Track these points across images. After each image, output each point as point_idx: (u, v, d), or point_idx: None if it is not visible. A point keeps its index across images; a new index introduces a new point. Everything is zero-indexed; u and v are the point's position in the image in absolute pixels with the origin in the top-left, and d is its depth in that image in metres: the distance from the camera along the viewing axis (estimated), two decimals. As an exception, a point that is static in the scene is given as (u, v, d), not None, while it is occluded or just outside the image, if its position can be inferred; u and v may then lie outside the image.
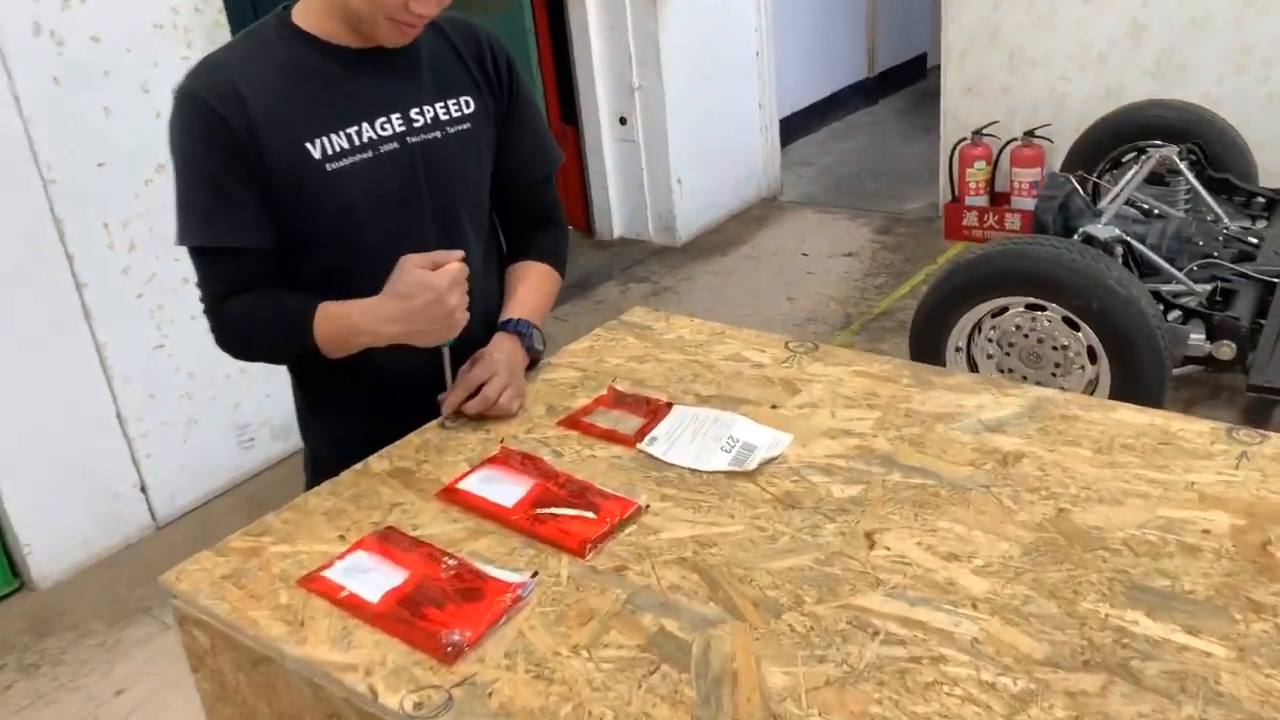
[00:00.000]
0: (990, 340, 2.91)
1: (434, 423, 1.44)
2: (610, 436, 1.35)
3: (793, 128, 5.63)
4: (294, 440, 3.40)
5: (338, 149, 1.37)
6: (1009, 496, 1.16)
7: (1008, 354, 2.88)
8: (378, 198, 1.41)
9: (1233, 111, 3.70)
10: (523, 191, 1.60)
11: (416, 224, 1.44)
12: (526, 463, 1.30)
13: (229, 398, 3.23)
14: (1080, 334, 2.75)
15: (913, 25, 6.96)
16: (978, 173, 4.40)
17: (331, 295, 1.38)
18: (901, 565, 1.07)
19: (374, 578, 1.12)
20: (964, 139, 4.43)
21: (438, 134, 1.44)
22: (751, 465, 1.26)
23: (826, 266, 4.38)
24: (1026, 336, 2.85)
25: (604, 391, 1.47)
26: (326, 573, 1.14)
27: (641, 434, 1.34)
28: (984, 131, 4.39)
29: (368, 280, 1.38)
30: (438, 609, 1.06)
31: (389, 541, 1.18)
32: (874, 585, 1.05)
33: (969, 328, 2.91)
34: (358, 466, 1.36)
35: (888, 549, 1.10)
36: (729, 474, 1.25)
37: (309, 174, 1.36)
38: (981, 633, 0.97)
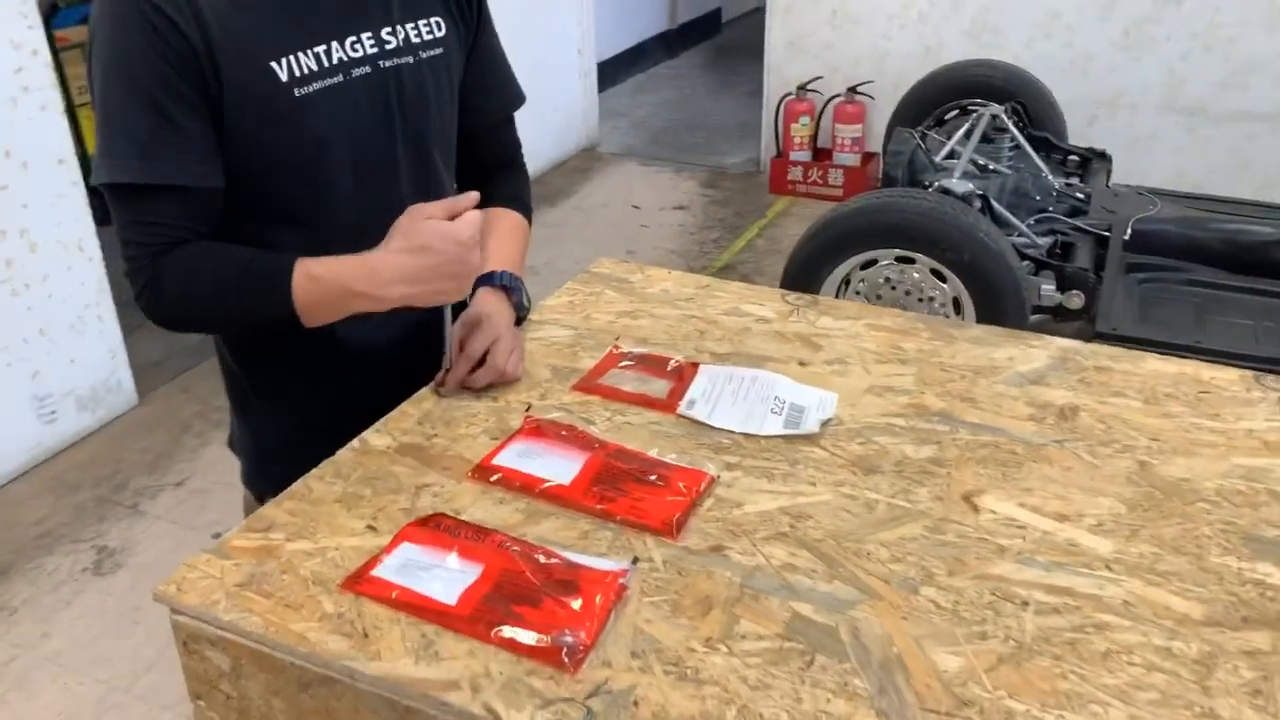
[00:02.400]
0: (858, 294, 2.95)
1: (425, 390, 1.26)
2: (642, 400, 1.23)
3: (602, 77, 5.52)
4: (103, 411, 3.02)
5: (306, 70, 1.15)
6: (1086, 451, 1.14)
7: (877, 305, 2.93)
8: (349, 129, 1.19)
9: (1041, 73, 3.92)
10: (487, 131, 1.42)
11: (389, 162, 1.24)
12: (565, 432, 1.15)
13: (26, 365, 2.80)
14: (946, 285, 2.84)
15: (708, -22, 7.00)
16: (802, 128, 4.47)
17: (291, 251, 1.16)
18: (1016, 529, 1.02)
19: (441, 575, 0.95)
20: (789, 94, 4.47)
21: (410, 59, 1.24)
22: (809, 428, 1.17)
23: (659, 220, 4.33)
24: (894, 289, 2.91)
25: (608, 351, 1.34)
26: (375, 572, 0.96)
27: (675, 396, 1.23)
28: (808, 87, 4.46)
29: (328, 232, 1.18)
30: (533, 607, 0.92)
31: (441, 529, 1.01)
32: (998, 552, 0.99)
33: (839, 280, 2.93)
34: (354, 444, 1.17)
35: (993, 512, 1.04)
36: (787, 438, 1.16)
37: (274, 100, 1.13)
38: (1130, 595, 0.94)
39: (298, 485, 1.10)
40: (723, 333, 1.39)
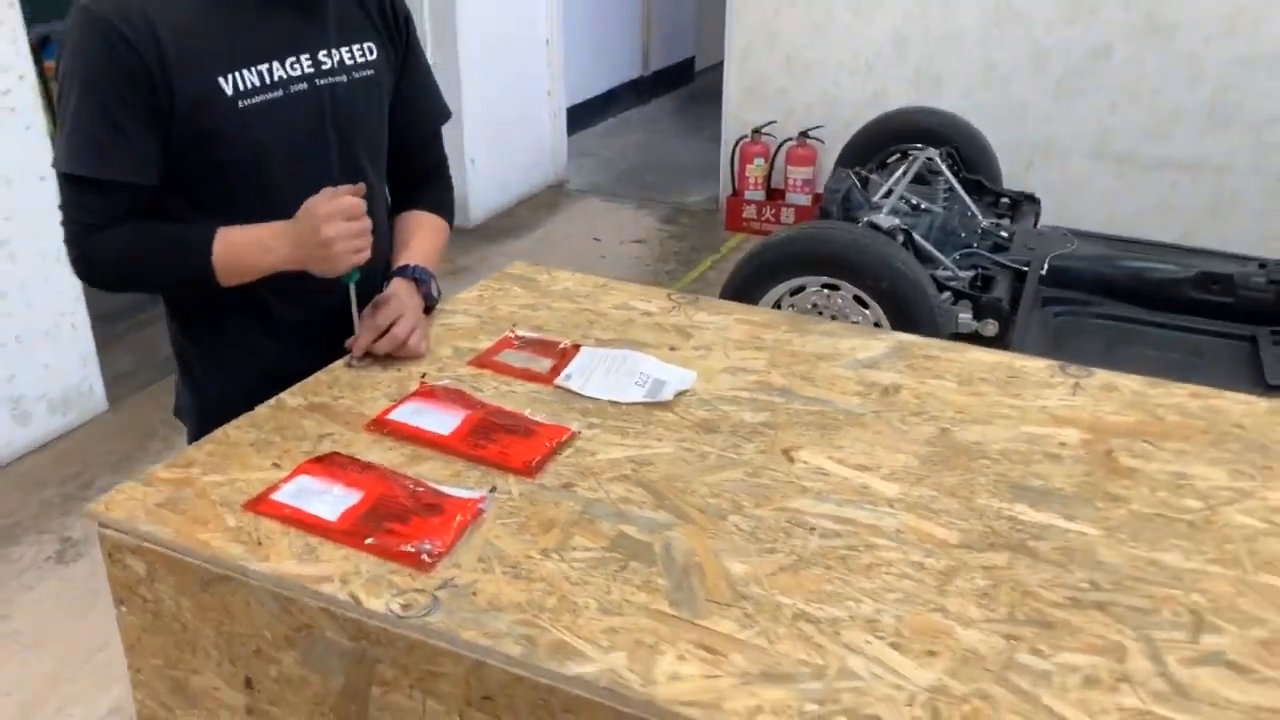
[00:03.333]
0: (789, 317, 3.15)
1: (339, 362, 1.45)
2: (526, 375, 1.42)
3: (574, 119, 5.76)
4: (74, 415, 3.19)
5: (250, 85, 1.36)
6: (897, 420, 1.33)
7: (804, 329, 3.13)
8: (287, 138, 1.40)
9: (978, 121, 4.16)
10: (415, 144, 1.62)
11: (323, 167, 1.44)
12: (453, 395, 1.34)
13: (2, 369, 2.97)
14: (869, 311, 3.04)
15: (682, 29, 7.28)
16: (756, 169, 4.70)
17: None
18: (821, 475, 1.21)
19: (328, 499, 1.13)
20: (744, 136, 4.71)
21: (344, 78, 1.45)
22: (665, 396, 1.36)
23: (619, 252, 4.54)
24: (821, 313, 3.10)
25: (506, 335, 1.53)
26: (274, 496, 1.14)
27: (555, 372, 1.42)
28: (763, 130, 4.69)
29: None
30: (402, 523, 1.10)
31: (334, 464, 1.19)
32: (801, 492, 1.18)
33: (771, 304, 3.13)
34: (271, 402, 1.35)
35: (805, 462, 1.23)
36: (646, 405, 1.35)
37: (220, 110, 1.34)
38: (902, 525, 1.12)
39: (217, 432, 1.29)
40: (609, 323, 1.58)
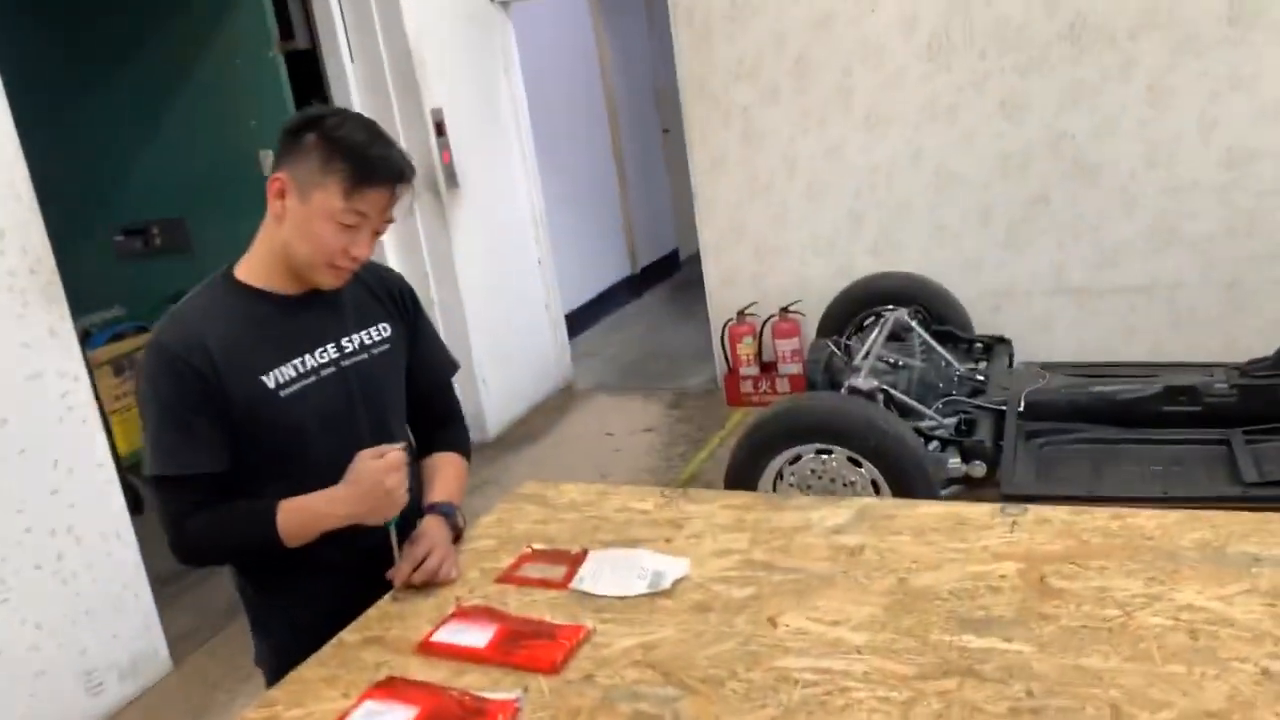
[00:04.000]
0: (790, 485, 3.38)
1: (384, 598, 1.69)
2: (544, 584, 1.66)
3: (574, 323, 6.14)
4: (142, 680, 3.40)
5: (288, 378, 1.66)
6: (862, 576, 1.55)
7: (808, 493, 3.35)
8: (322, 414, 1.69)
9: (939, 277, 4.49)
10: (429, 395, 1.92)
11: (355, 433, 1.72)
12: (484, 613, 1.58)
13: (75, 644, 3.21)
14: (863, 469, 3.27)
15: (662, 226, 7.80)
16: (746, 347, 5.02)
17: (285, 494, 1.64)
18: (800, 635, 1.43)
19: (390, 718, 1.36)
20: (730, 319, 5.05)
21: (365, 356, 1.76)
22: (665, 585, 1.59)
23: (630, 443, 4.81)
24: (820, 477, 3.34)
25: (524, 550, 1.77)
26: (346, 721, 1.37)
27: (569, 577, 1.66)
28: (746, 312, 5.04)
29: (315, 480, 1.65)
30: (454, 730, 1.32)
31: (392, 688, 1.42)
32: (785, 652, 1.40)
33: (773, 476, 3.37)
34: (333, 641, 1.59)
35: (787, 625, 1.45)
36: (649, 595, 1.58)
37: (266, 401, 1.64)
38: (869, 667, 1.33)
39: (292, 674, 1.52)
40: (611, 526, 1.83)
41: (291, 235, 1.65)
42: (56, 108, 5.02)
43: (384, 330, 1.80)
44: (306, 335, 1.71)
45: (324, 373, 1.70)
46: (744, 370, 5.06)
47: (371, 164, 1.61)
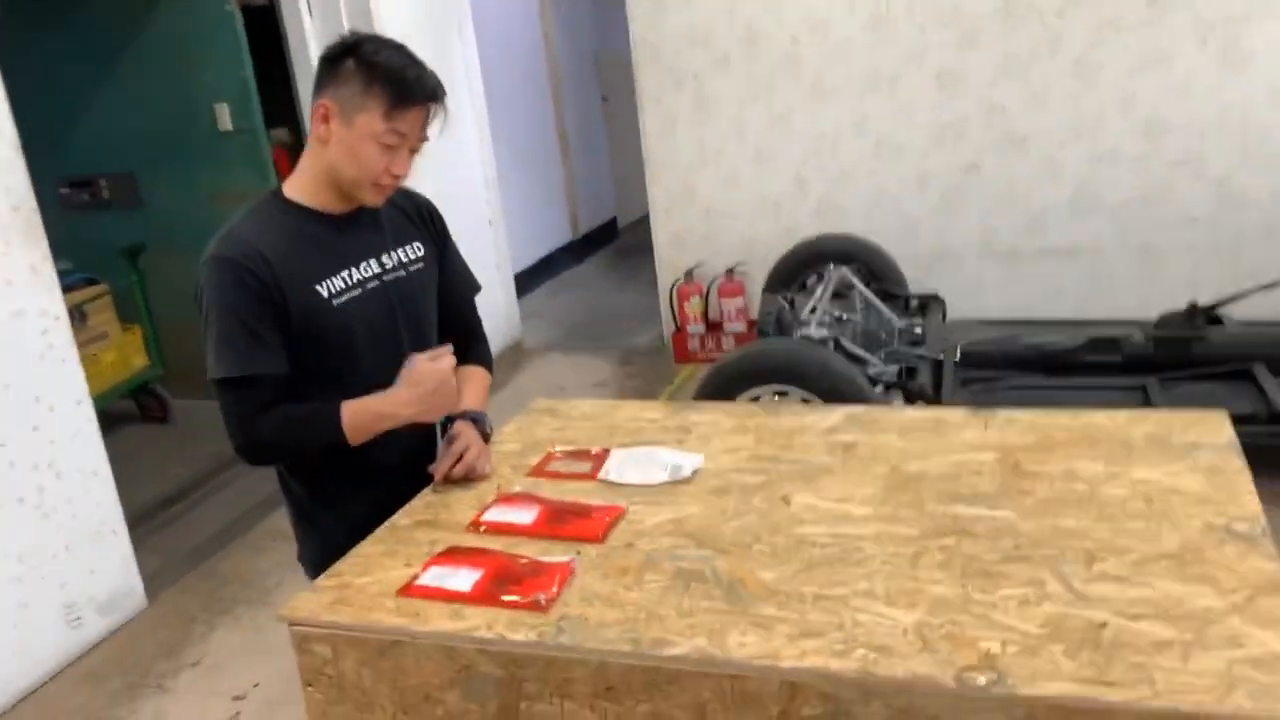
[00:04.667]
0: (749, 426, 3.60)
1: (426, 490, 1.85)
2: (573, 476, 1.83)
3: (519, 285, 6.28)
4: (119, 614, 3.48)
5: (339, 288, 1.81)
6: (858, 466, 1.77)
7: (764, 435, 3.58)
8: (369, 324, 1.84)
9: (879, 238, 4.75)
10: (456, 311, 2.06)
11: (397, 343, 1.87)
12: (526, 497, 1.75)
13: (55, 578, 3.27)
14: (817, 411, 3.50)
15: (603, 193, 7.96)
16: (694, 306, 5.23)
17: (335, 399, 1.78)
18: (812, 509, 1.64)
19: (459, 577, 1.52)
20: (678, 279, 5.26)
21: (403, 273, 1.90)
22: (685, 475, 1.79)
23: (583, 397, 4.98)
24: (777, 419, 3.56)
25: (549, 452, 1.95)
26: (418, 582, 1.53)
27: (595, 471, 1.84)
28: (693, 272, 5.25)
29: (364, 385, 1.80)
30: (518, 585, 1.49)
31: (455, 555, 1.59)
32: (800, 522, 1.60)
33: (732, 418, 3.58)
34: (385, 525, 1.74)
35: (799, 503, 1.66)
36: (672, 483, 1.77)
37: (320, 309, 1.78)
38: (877, 531, 1.55)
39: (352, 551, 1.67)
40: (626, 431, 2.02)
41: (337, 157, 1.78)
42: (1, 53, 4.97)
43: (418, 249, 1.95)
44: (353, 250, 1.85)
45: (369, 285, 1.85)
46: (691, 329, 5.28)
47: (409, 85, 1.74)
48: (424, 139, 1.82)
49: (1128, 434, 1.77)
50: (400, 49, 1.79)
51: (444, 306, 2.02)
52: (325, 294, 1.78)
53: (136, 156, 5.08)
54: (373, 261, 1.86)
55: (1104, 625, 1.27)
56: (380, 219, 1.91)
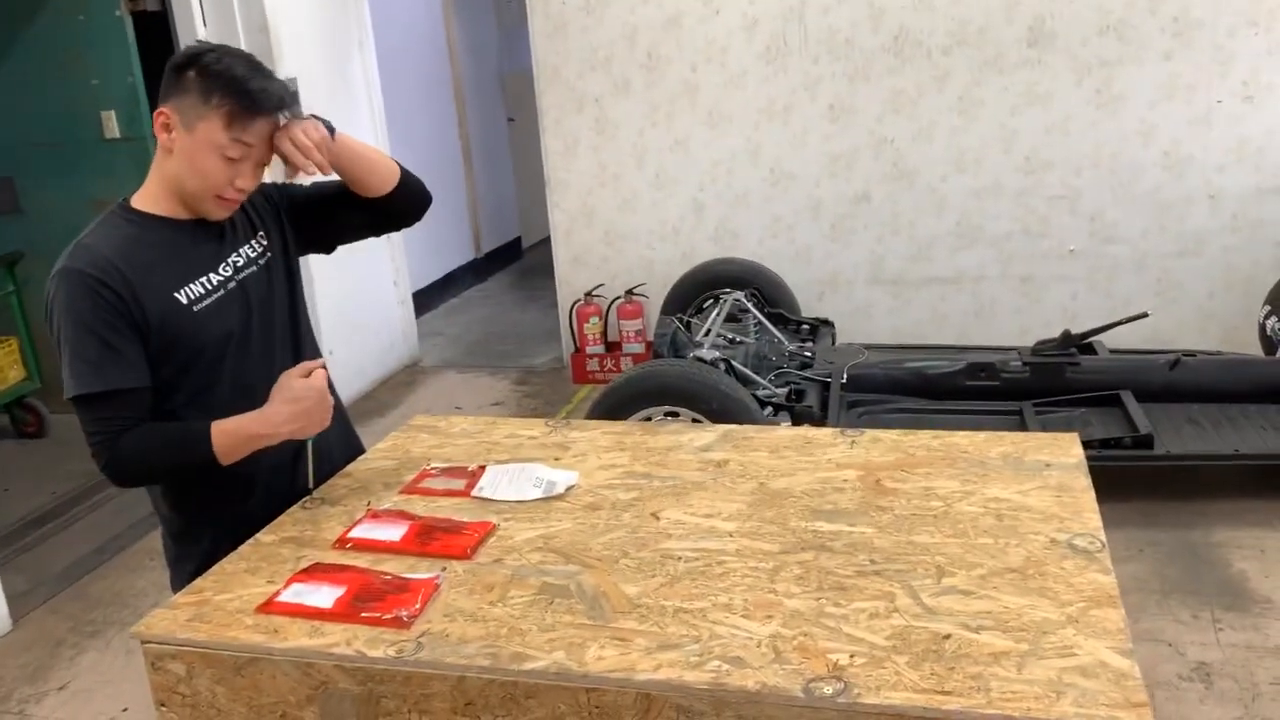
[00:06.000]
0: (640, 447, 3.62)
1: (294, 507, 1.83)
2: (447, 493, 1.83)
3: (418, 303, 6.22)
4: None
5: (198, 294, 1.77)
6: (728, 482, 1.80)
7: (655, 455, 3.61)
8: (230, 325, 1.80)
9: (772, 264, 4.85)
10: (331, 194, 1.98)
11: (258, 341, 1.84)
12: (396, 514, 1.74)
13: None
14: (706, 432, 3.55)
15: (506, 213, 7.95)
16: (593, 327, 5.26)
17: (201, 417, 1.74)
18: (679, 525, 1.66)
19: (321, 594, 1.51)
20: (578, 300, 5.28)
21: (254, 268, 1.87)
22: (558, 492, 1.80)
23: (480, 415, 4.95)
24: (667, 439, 3.60)
25: (423, 469, 1.94)
26: (278, 599, 1.51)
27: (470, 488, 1.84)
28: (593, 294, 5.28)
29: (229, 396, 1.76)
30: (380, 602, 1.48)
31: (318, 572, 1.57)
32: (667, 537, 1.63)
33: (623, 438, 3.61)
34: (250, 542, 1.72)
35: (668, 518, 1.69)
36: (545, 500, 1.78)
37: (182, 317, 1.74)
38: (740, 546, 1.58)
39: (214, 568, 1.64)
40: (504, 449, 2.02)
41: (180, 168, 1.75)
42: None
43: (262, 240, 1.90)
44: (206, 255, 1.81)
45: (229, 287, 1.81)
46: (590, 349, 5.30)
47: (251, 96, 1.71)
48: (267, 161, 1.80)
49: (985, 454, 1.84)
50: (247, 59, 1.76)
51: (337, 204, 1.96)
52: (185, 300, 1.75)
53: (17, 162, 4.92)
54: (226, 264, 1.83)
55: (948, 637, 1.32)
56: (229, 221, 1.87)
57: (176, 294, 1.75)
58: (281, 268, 1.93)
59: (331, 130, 1.87)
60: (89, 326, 1.68)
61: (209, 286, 1.79)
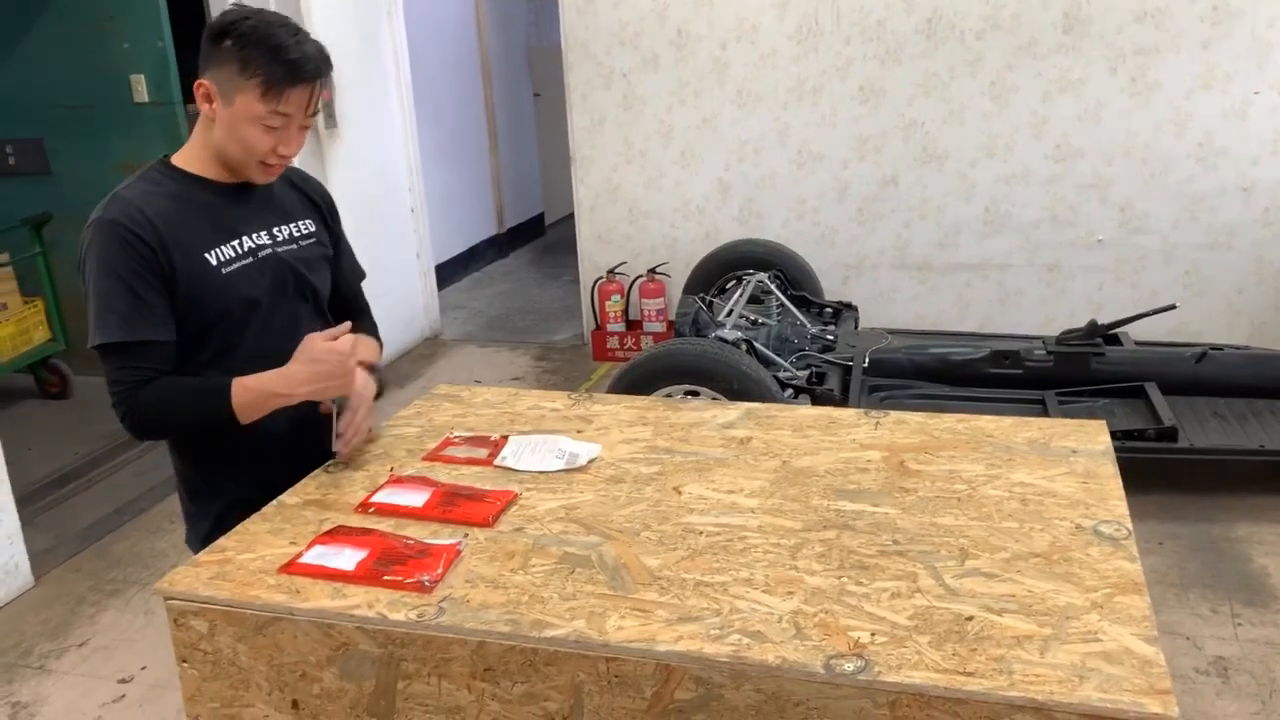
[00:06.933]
0: (659, 424, 3.62)
1: (318, 470, 1.83)
2: (470, 461, 1.83)
3: (440, 276, 6.23)
4: (2, 592, 3.36)
5: (228, 257, 1.78)
6: (750, 459, 1.80)
7: (674, 434, 3.61)
8: (259, 292, 1.81)
9: (798, 246, 4.83)
10: (345, 296, 2.05)
11: (285, 312, 1.85)
12: (418, 480, 1.74)
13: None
14: (726, 411, 3.54)
15: (530, 189, 7.94)
16: (614, 305, 5.25)
17: (223, 374, 1.75)
18: (702, 500, 1.66)
19: (343, 556, 1.51)
20: (600, 277, 5.27)
21: (294, 246, 1.88)
22: (581, 464, 1.79)
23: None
24: (687, 418, 3.59)
25: (446, 436, 1.94)
26: (301, 560, 1.51)
27: (492, 457, 1.84)
28: (616, 271, 5.27)
29: (251, 357, 1.77)
30: (402, 566, 1.49)
31: (340, 534, 1.57)
32: (689, 511, 1.62)
33: (643, 415, 3.60)
34: (274, 503, 1.72)
35: (690, 493, 1.68)
36: (567, 471, 1.78)
37: (209, 277, 1.75)
38: (762, 523, 1.58)
39: (238, 527, 1.65)
40: (526, 419, 2.02)
41: (221, 136, 1.75)
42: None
43: (309, 225, 1.92)
44: (243, 220, 1.82)
45: (261, 254, 1.82)
46: (610, 327, 5.29)
47: (286, 67, 1.70)
48: (314, 113, 1.80)
49: (1011, 439, 1.83)
50: (283, 26, 1.73)
51: (337, 289, 2.00)
52: (214, 262, 1.75)
53: (46, 124, 4.94)
54: (264, 233, 1.84)
55: (970, 619, 1.31)
56: (273, 192, 1.88)
57: (206, 254, 1.75)
58: (323, 256, 1.95)
59: (381, 384, 2.00)
60: (119, 276, 1.68)
61: (239, 251, 1.79)
